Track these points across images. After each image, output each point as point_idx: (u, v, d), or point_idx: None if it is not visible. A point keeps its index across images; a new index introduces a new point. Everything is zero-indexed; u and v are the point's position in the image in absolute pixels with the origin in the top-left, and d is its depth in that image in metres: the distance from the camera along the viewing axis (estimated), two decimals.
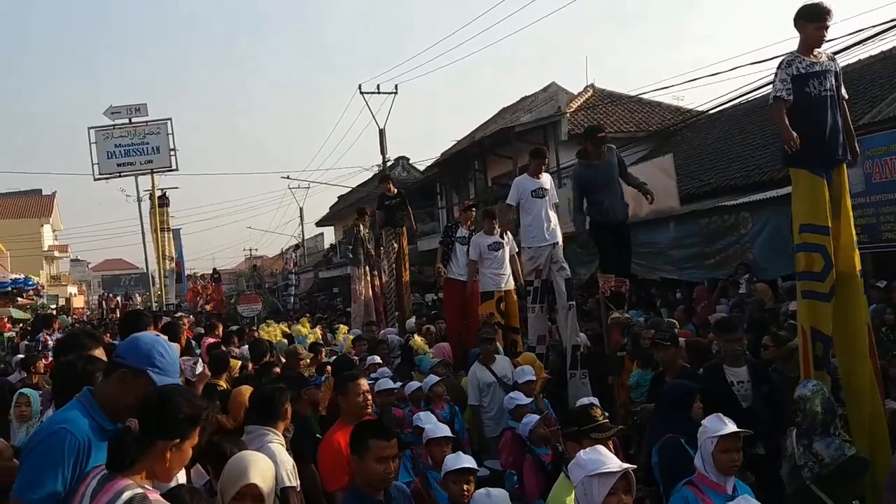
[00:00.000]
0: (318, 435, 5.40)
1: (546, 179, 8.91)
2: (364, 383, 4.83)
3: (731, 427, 3.73)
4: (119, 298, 42.82)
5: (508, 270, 9.36)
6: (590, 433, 3.80)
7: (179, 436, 2.51)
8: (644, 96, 22.95)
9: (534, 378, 6.92)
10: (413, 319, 12.65)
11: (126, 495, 2.35)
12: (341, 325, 14.30)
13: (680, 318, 10.13)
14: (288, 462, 3.95)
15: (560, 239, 8.75)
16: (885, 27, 12.11)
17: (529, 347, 8.58)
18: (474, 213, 10.57)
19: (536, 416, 5.91)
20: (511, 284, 9.36)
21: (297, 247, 39.71)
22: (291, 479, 3.88)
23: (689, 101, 31.14)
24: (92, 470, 2.57)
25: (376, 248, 14.17)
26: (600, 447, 3.29)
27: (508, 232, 9.62)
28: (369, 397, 4.83)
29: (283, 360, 8.54)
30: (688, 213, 13.18)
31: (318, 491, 4.63)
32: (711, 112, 18.31)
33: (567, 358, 8.13)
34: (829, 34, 5.60)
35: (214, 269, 34.33)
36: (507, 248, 9.37)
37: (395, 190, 13.47)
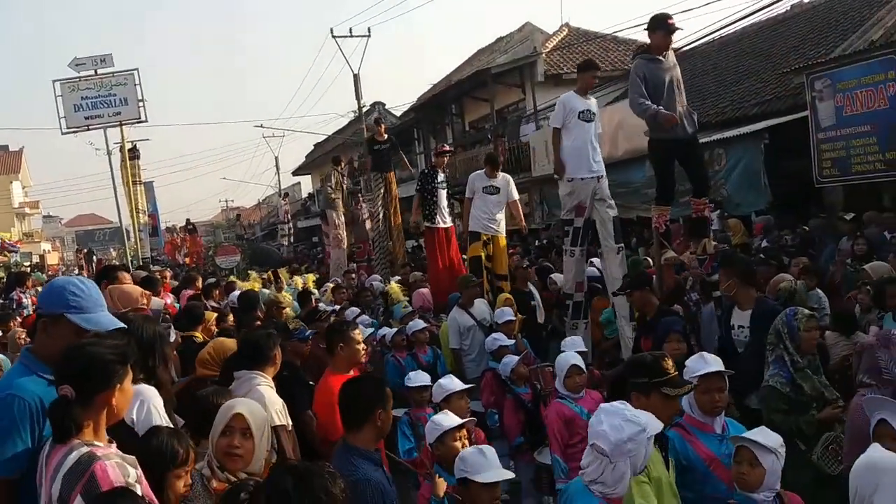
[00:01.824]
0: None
1: (594, 103, 7.74)
2: (359, 334, 4.91)
3: (710, 367, 3.60)
4: (84, 253, 42.40)
5: (500, 218, 8.94)
6: (660, 387, 3.34)
7: (116, 382, 2.48)
8: (619, 34, 22.81)
9: (513, 318, 7.03)
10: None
11: (73, 456, 2.33)
12: (308, 275, 14.34)
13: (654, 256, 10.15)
14: (277, 402, 4.03)
15: (604, 172, 7.65)
16: None
17: (566, 294, 7.85)
18: (447, 159, 10.27)
19: (515, 357, 6.04)
20: (502, 231, 8.97)
21: (286, 195, 39.17)
22: (282, 417, 3.97)
23: None
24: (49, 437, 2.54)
25: (356, 193, 14.22)
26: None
27: (510, 178, 9.23)
28: (363, 347, 4.93)
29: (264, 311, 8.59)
30: None
31: (316, 439, 4.66)
32: (684, 49, 18.21)
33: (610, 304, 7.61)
34: None
35: (188, 220, 34.09)
36: (503, 196, 8.93)
37: (386, 135, 13.43)
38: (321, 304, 9.36)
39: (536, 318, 8.24)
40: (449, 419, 4.00)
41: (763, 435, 3.24)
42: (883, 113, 8.83)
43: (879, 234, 8.38)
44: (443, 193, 9.97)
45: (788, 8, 15.74)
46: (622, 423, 2.91)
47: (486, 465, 3.31)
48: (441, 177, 10.06)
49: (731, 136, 11.60)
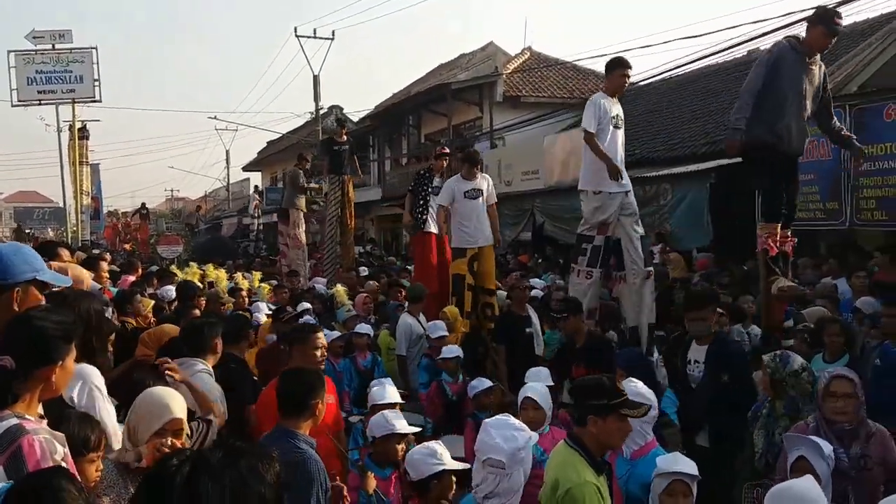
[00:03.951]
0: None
1: (620, 107, 6.98)
2: (322, 337, 4.64)
3: (630, 394, 3.51)
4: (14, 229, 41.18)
5: (486, 223, 8.03)
6: (619, 408, 3.23)
7: (58, 358, 2.45)
8: (579, 63, 23.25)
9: (445, 334, 6.91)
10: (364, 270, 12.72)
11: (1, 426, 2.29)
12: (255, 273, 14.18)
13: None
14: (216, 390, 4.05)
15: (631, 186, 6.93)
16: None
17: None
18: (445, 162, 9.44)
19: (488, 382, 5.72)
20: (489, 240, 8.08)
21: (255, 187, 38.14)
22: (220, 406, 3.98)
23: None
24: None
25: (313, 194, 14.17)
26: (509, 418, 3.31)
27: (489, 178, 8.45)
28: (324, 352, 4.62)
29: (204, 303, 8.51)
30: None
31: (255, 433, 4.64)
32: (641, 84, 18.63)
33: (643, 340, 6.84)
34: (763, 14, 4.98)
35: (143, 205, 33.34)
36: (485, 198, 8.08)
37: (346, 137, 13.39)
38: (258, 303, 9.32)
39: (533, 347, 7.15)
40: (402, 423, 4.17)
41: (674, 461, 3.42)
42: (826, 164, 9.18)
43: (816, 279, 8.68)
44: (435, 200, 8.95)
45: (745, 53, 16.24)
46: (513, 433, 3.12)
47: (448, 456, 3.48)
48: (437, 181, 9.10)
49: (678, 173, 11.89)
